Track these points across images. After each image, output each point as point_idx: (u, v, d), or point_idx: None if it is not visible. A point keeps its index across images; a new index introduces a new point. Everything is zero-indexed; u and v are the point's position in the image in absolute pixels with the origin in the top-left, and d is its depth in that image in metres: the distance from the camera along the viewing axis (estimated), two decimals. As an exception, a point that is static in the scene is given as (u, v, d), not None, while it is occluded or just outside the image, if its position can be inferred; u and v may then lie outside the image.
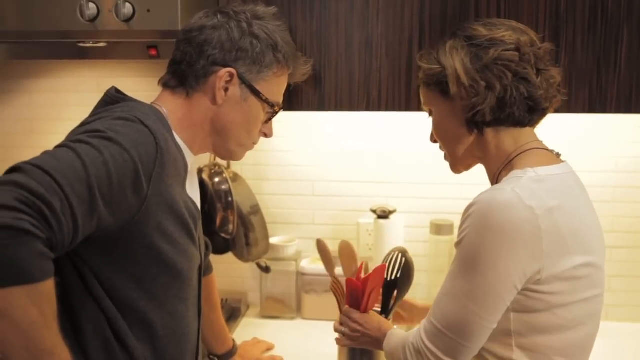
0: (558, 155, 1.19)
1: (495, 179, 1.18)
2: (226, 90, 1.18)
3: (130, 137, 1.00)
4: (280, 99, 1.27)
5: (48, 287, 0.87)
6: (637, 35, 1.53)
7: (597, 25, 1.53)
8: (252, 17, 1.19)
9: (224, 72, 1.16)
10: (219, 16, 1.18)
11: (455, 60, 1.13)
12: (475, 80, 1.12)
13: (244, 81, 1.18)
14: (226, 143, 1.23)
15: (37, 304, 0.85)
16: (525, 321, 1.07)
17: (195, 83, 1.17)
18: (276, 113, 1.26)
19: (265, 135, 1.29)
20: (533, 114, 1.15)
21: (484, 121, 1.14)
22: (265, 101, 1.21)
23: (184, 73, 1.18)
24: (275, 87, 1.24)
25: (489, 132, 1.16)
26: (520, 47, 1.12)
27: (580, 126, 1.90)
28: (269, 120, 1.27)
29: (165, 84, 1.21)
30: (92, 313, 1.04)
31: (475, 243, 1.04)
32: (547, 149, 1.17)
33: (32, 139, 2.09)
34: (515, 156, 1.15)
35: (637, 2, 1.52)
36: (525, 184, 1.06)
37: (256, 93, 1.20)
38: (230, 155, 1.28)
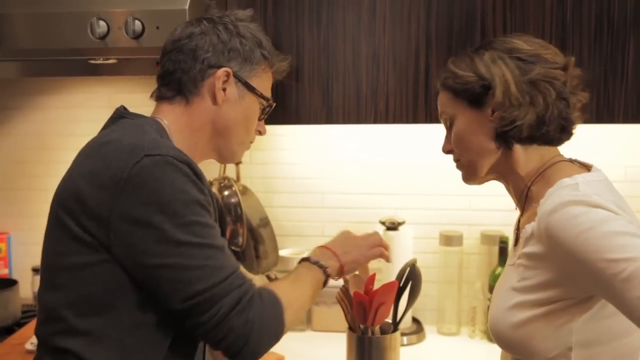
0: (588, 167, 1.16)
1: (524, 194, 1.16)
2: (224, 90, 1.21)
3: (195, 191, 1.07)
4: (270, 94, 1.30)
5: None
6: (644, 45, 1.53)
7: (603, 36, 1.53)
8: (235, 20, 1.23)
9: (221, 72, 1.19)
10: (204, 22, 1.22)
11: (504, 70, 1.12)
12: (522, 92, 1.11)
13: (239, 79, 1.22)
14: (228, 143, 1.25)
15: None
16: (590, 329, 1.05)
17: (194, 87, 1.19)
18: (271, 107, 1.30)
19: (260, 133, 1.32)
20: (563, 133, 1.15)
21: (518, 137, 1.12)
22: (261, 96, 1.25)
23: (180, 81, 1.20)
24: (266, 82, 1.28)
25: (518, 149, 1.14)
26: (567, 66, 1.13)
27: (588, 135, 1.89)
28: (262, 117, 1.30)
29: (161, 97, 1.22)
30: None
31: (590, 231, 0.98)
32: (572, 161, 1.16)
33: (44, 155, 2.10)
34: (547, 169, 1.14)
35: (643, 12, 1.53)
36: (583, 188, 1.05)
37: (252, 89, 1.23)
38: (232, 156, 1.30)
